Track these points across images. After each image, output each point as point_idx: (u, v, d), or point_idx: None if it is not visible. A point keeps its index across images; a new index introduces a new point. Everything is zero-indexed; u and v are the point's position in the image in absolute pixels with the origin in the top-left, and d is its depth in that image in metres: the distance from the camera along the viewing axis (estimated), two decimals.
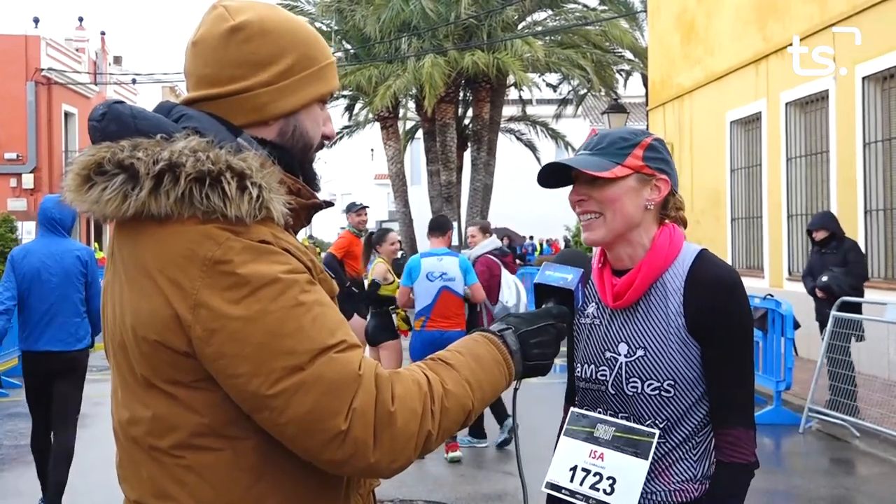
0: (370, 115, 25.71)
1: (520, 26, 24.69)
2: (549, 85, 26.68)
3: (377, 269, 7.93)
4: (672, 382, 1.99)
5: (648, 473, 1.97)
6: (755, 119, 13.89)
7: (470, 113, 25.64)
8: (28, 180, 28.67)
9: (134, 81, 34.11)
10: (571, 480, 2.02)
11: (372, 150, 45.53)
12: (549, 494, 2.09)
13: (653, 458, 1.97)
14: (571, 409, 2.14)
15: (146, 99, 36.39)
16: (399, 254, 8.97)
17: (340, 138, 28.54)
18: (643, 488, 1.96)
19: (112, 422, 1.55)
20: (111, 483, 1.70)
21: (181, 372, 1.40)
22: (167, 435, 1.42)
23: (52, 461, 5.50)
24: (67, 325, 5.56)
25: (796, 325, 8.71)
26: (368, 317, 8.05)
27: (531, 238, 36.36)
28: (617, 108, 20.35)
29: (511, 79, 23.68)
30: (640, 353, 2.01)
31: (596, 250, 2.17)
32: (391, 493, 6.15)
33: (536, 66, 23.21)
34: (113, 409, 1.54)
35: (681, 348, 1.98)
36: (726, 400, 1.99)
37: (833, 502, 6.32)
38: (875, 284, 10.20)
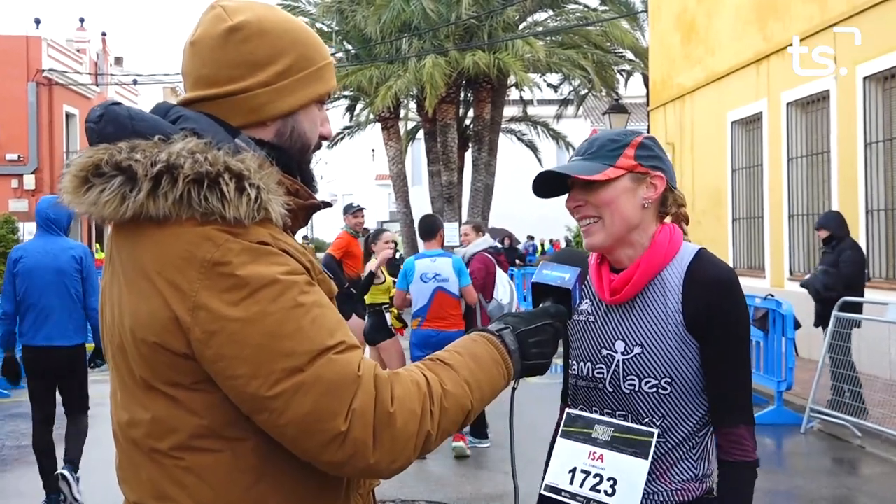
0: (371, 116, 25.72)
1: (521, 26, 24.67)
2: (549, 85, 26.67)
3: (371, 265, 8.11)
4: (669, 380, 1.98)
5: (650, 474, 1.96)
6: (756, 119, 13.88)
7: (471, 113, 25.61)
8: (29, 181, 28.65)
9: (135, 82, 34.11)
10: (571, 483, 2.01)
11: (373, 150, 45.52)
12: (540, 495, 2.07)
13: (653, 457, 1.96)
14: (567, 410, 2.13)
15: (147, 100, 36.34)
16: (397, 255, 9.07)
17: (341, 139, 28.54)
18: (644, 489, 1.95)
19: (111, 423, 1.55)
20: (111, 484, 1.70)
21: (180, 374, 1.40)
22: (167, 437, 1.42)
23: (66, 440, 5.99)
24: (64, 321, 5.82)
25: (797, 325, 8.72)
26: (366, 317, 8.14)
27: (531, 238, 36.36)
28: (618, 108, 20.35)
29: (512, 79, 23.65)
30: (637, 350, 2.01)
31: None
32: (392, 494, 6.15)
33: (537, 67, 23.19)
34: (112, 410, 1.54)
35: (679, 346, 1.98)
36: (727, 399, 1.99)
37: (835, 502, 6.32)
38: (876, 284, 10.20)
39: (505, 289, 7.91)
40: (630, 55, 23.94)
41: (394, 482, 6.00)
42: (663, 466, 2.00)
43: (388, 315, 8.05)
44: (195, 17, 1.56)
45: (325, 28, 24.66)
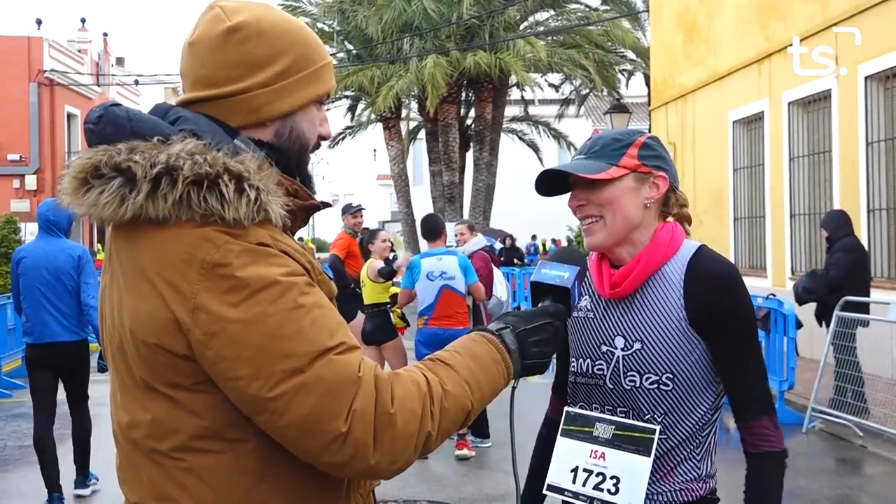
0: (372, 116, 25.74)
1: (522, 26, 24.68)
2: (551, 85, 26.69)
3: (371, 265, 8.15)
4: (671, 376, 1.97)
5: (654, 475, 1.95)
6: (757, 119, 13.87)
7: (472, 113, 25.63)
8: (31, 181, 28.66)
9: (136, 83, 34.10)
10: (573, 482, 1.99)
11: (374, 150, 45.53)
12: (540, 495, 2.07)
13: (656, 457, 1.95)
14: (566, 408, 2.12)
15: (149, 100, 36.39)
16: (391, 254, 9.13)
17: (343, 139, 28.57)
18: (649, 489, 1.94)
19: (111, 424, 1.55)
20: (111, 485, 1.70)
21: (181, 375, 1.40)
22: (167, 438, 1.42)
23: (73, 442, 6.22)
24: (64, 319, 6.02)
25: (799, 325, 8.71)
26: (365, 318, 8.15)
27: (533, 238, 36.35)
28: (619, 108, 20.35)
29: (513, 79, 23.67)
30: (637, 346, 2.00)
31: None
32: (394, 493, 6.15)
33: (538, 67, 23.20)
34: (112, 411, 1.54)
35: (681, 342, 1.97)
36: (743, 393, 1.97)
37: (837, 502, 6.31)
38: (879, 284, 10.18)
39: (502, 287, 8.04)
40: (631, 55, 23.94)
41: (395, 482, 6.00)
42: (667, 466, 1.99)
43: (391, 315, 8.08)
44: (196, 18, 1.56)
45: (326, 28, 24.66)
